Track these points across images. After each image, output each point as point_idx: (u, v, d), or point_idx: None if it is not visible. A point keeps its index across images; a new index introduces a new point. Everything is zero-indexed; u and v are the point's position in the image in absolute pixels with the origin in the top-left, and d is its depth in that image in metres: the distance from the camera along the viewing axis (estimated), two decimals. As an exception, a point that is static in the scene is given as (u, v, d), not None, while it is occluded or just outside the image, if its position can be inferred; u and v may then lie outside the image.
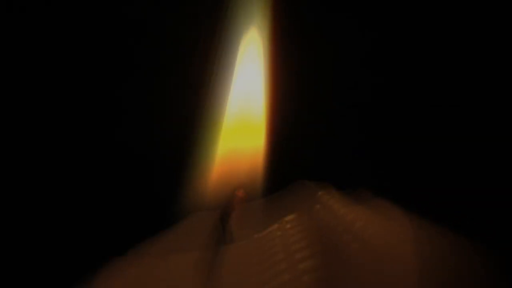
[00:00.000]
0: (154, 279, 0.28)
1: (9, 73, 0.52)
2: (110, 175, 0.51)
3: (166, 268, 0.28)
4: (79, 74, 0.52)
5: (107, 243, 0.30)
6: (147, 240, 0.31)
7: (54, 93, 0.52)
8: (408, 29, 0.51)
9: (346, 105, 0.51)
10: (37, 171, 0.51)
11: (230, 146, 0.34)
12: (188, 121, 0.48)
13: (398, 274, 0.26)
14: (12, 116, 0.52)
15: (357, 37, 0.51)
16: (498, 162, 0.49)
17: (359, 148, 0.52)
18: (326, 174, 0.33)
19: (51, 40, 0.52)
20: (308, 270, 0.26)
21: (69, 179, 0.51)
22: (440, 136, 0.50)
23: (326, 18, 0.51)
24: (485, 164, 0.49)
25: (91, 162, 0.51)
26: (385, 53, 0.52)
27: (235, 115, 0.34)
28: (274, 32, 0.37)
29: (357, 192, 0.32)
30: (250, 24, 0.37)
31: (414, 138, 0.51)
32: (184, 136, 0.47)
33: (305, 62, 0.50)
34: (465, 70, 0.50)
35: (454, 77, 0.51)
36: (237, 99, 0.35)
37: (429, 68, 0.51)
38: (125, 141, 0.51)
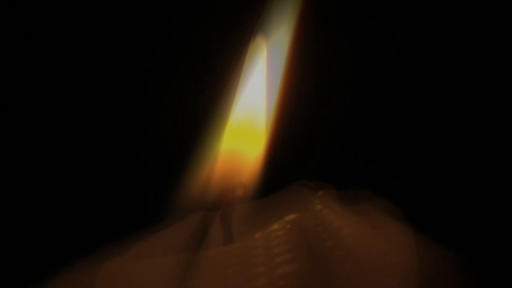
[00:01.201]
0: (126, 283, 0.27)
1: (10, 75, 0.52)
2: (107, 174, 0.51)
3: (140, 272, 0.27)
4: (78, 74, 0.52)
5: (103, 243, 0.30)
6: (133, 241, 0.31)
7: (54, 94, 0.52)
8: (408, 29, 0.51)
9: (346, 105, 0.51)
10: (34, 170, 0.51)
11: (229, 146, 0.33)
12: (188, 120, 0.48)
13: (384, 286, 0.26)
14: (12, 115, 0.52)
15: (358, 39, 0.51)
16: (498, 161, 0.49)
17: (359, 148, 0.51)
18: (326, 174, 0.33)
19: (53, 40, 0.52)
20: (286, 275, 0.25)
21: (68, 180, 0.51)
22: (440, 136, 0.50)
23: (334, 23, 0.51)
24: (485, 164, 0.49)
25: (87, 162, 0.51)
26: (385, 52, 0.51)
27: (237, 115, 0.34)
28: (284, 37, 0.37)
29: (357, 192, 0.32)
30: (258, 28, 0.37)
31: (415, 138, 0.51)
32: (183, 136, 0.47)
33: (307, 64, 0.50)
34: (465, 70, 0.50)
35: (454, 77, 0.51)
36: (241, 99, 0.35)
37: (429, 68, 0.51)
38: (124, 141, 0.51)
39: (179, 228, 0.32)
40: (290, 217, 0.28)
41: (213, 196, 0.31)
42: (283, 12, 0.38)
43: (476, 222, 0.46)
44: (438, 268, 0.28)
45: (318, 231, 0.28)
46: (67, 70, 0.52)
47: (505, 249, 0.45)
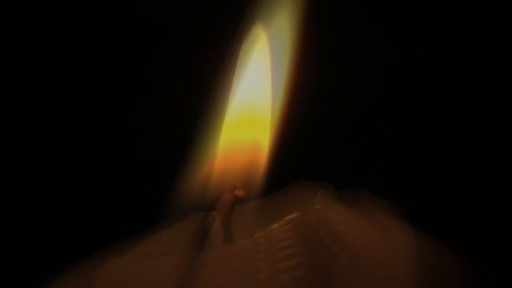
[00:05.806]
0: (127, 283, 0.27)
1: (10, 75, 0.52)
2: (107, 174, 0.51)
3: (141, 272, 0.27)
4: (78, 75, 0.52)
5: (102, 243, 0.30)
6: (134, 241, 0.31)
7: (54, 94, 0.52)
8: (408, 30, 0.51)
9: (347, 105, 0.51)
10: (35, 170, 0.51)
11: (229, 146, 0.34)
12: (187, 120, 0.48)
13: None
14: (12, 115, 0.52)
15: (358, 38, 0.51)
16: (498, 162, 0.49)
17: (359, 148, 0.51)
18: (326, 174, 0.33)
19: (53, 40, 0.52)
20: (287, 270, 0.25)
21: (68, 180, 0.51)
22: (440, 137, 0.50)
23: (332, 20, 0.51)
24: (485, 165, 0.49)
25: (87, 162, 0.51)
26: (386, 52, 0.52)
27: (237, 114, 0.34)
28: (279, 31, 0.37)
29: (357, 192, 0.32)
30: (256, 22, 0.37)
31: (415, 138, 0.51)
32: (183, 135, 0.47)
33: (308, 62, 0.50)
34: (465, 71, 0.50)
35: (454, 77, 0.51)
36: (241, 98, 0.35)
37: (429, 69, 0.51)
38: (124, 141, 0.51)
39: (179, 228, 0.32)
40: (290, 216, 0.28)
41: (213, 196, 0.31)
42: (286, 4, 0.37)
43: (476, 222, 0.46)
44: (437, 265, 0.28)
45: (317, 228, 0.28)
46: (67, 71, 0.52)
47: (505, 248, 0.45)
